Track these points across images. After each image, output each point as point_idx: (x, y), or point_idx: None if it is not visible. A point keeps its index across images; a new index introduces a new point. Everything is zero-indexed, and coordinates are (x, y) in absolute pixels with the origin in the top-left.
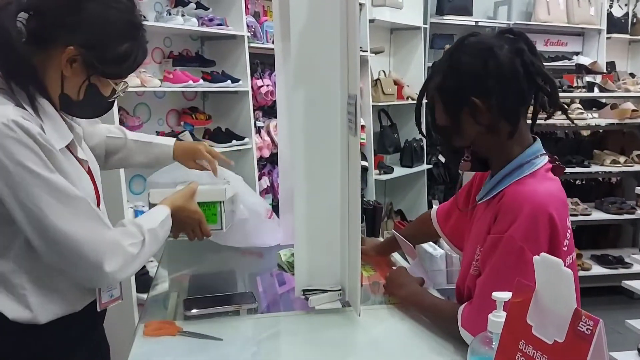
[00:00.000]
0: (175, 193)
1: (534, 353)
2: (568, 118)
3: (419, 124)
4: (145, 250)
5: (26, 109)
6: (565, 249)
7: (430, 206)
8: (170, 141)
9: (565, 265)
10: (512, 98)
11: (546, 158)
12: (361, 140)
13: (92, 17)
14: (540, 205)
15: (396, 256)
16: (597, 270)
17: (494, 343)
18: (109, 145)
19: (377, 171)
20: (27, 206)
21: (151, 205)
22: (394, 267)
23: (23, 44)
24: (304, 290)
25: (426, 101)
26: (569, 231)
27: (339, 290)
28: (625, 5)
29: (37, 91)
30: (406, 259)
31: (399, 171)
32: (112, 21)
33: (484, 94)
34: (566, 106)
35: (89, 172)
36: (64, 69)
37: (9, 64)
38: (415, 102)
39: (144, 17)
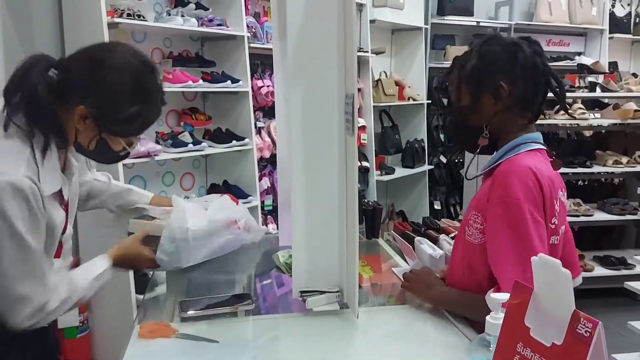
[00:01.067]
0: (126, 240)
1: (532, 355)
2: (570, 116)
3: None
4: (66, 304)
5: (35, 157)
6: (552, 226)
7: (431, 207)
8: (149, 193)
9: (548, 244)
10: (532, 88)
11: (541, 146)
12: (362, 141)
13: (105, 84)
14: (528, 172)
15: (396, 257)
16: (600, 271)
17: (491, 345)
18: (93, 188)
19: (379, 172)
20: None
21: (129, 234)
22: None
23: (48, 96)
24: (302, 292)
25: (430, 101)
26: (557, 213)
27: (337, 291)
28: (628, 5)
29: (56, 138)
30: (405, 260)
31: (400, 172)
32: (124, 85)
33: (511, 80)
34: (568, 106)
35: (66, 205)
36: (77, 123)
37: (34, 112)
38: (415, 102)
39: (154, 64)
